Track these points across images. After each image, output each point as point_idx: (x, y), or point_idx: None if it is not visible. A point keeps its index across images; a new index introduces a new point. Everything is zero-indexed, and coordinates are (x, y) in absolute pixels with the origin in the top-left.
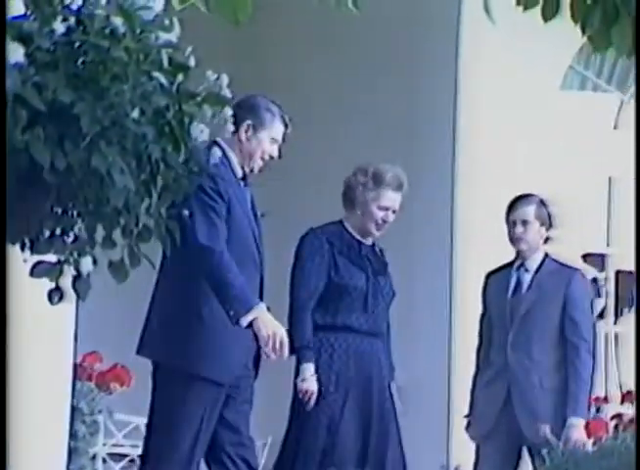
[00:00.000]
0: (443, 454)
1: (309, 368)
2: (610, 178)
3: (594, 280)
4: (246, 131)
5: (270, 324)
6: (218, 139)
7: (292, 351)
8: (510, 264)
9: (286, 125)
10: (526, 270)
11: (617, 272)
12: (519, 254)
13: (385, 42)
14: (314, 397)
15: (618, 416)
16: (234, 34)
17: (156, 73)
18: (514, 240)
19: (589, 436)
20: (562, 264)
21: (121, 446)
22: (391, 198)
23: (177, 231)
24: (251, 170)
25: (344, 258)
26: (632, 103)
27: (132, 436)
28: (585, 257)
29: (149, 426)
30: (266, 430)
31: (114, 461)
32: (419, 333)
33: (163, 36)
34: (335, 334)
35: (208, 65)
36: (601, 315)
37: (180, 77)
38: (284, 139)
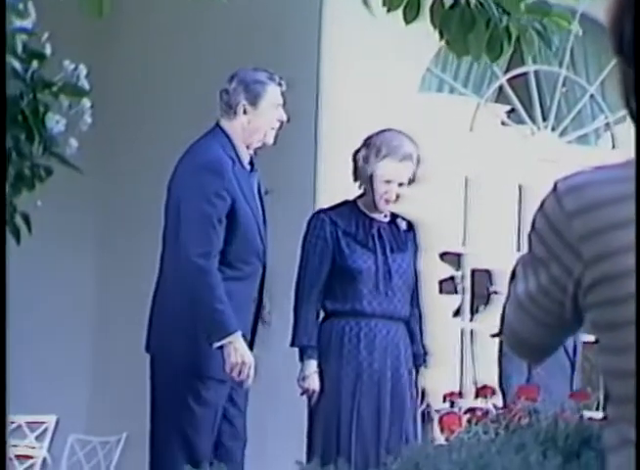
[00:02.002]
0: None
1: (310, 365)
2: (466, 179)
3: (451, 278)
4: (244, 112)
5: (240, 353)
6: (222, 124)
7: (293, 344)
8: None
9: (280, 84)
10: None
11: (473, 271)
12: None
13: (247, 37)
14: (316, 394)
15: (472, 410)
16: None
17: (9, 59)
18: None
19: (442, 430)
20: None
21: None
22: (395, 169)
23: (28, 223)
24: (266, 144)
25: (350, 238)
26: (488, 106)
27: None
28: (442, 255)
29: (155, 426)
30: (121, 426)
31: None
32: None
33: (18, 22)
34: (345, 318)
35: (66, 54)
36: (457, 313)
37: (35, 65)
38: (284, 98)
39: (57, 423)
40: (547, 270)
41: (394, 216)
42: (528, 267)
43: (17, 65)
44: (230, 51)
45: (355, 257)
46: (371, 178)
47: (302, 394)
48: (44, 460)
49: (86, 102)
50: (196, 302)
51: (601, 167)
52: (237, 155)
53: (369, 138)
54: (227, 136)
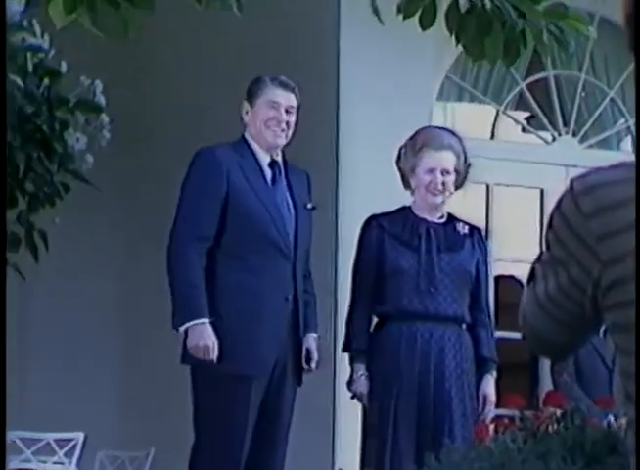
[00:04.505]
0: (328, 460)
1: (357, 369)
2: (487, 186)
3: None
4: (246, 113)
5: (196, 337)
6: (245, 134)
7: (344, 349)
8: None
9: (284, 86)
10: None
11: (497, 277)
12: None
13: (266, 45)
14: (364, 398)
15: (498, 418)
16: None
17: (12, 77)
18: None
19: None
20: None
21: None
22: (435, 157)
23: (46, 240)
24: (271, 146)
25: (395, 239)
26: (508, 113)
27: None
28: None
29: (196, 429)
30: (149, 441)
31: None
32: None
33: (31, 40)
34: (390, 322)
35: (82, 70)
36: None
37: (46, 82)
38: (298, 101)
39: (85, 439)
40: (566, 271)
41: (454, 220)
42: (548, 267)
43: (18, 82)
44: (247, 60)
45: (398, 256)
46: (413, 172)
47: (352, 398)
48: None
49: (104, 117)
50: (170, 284)
51: (617, 166)
52: (254, 156)
53: (409, 139)
54: (246, 143)
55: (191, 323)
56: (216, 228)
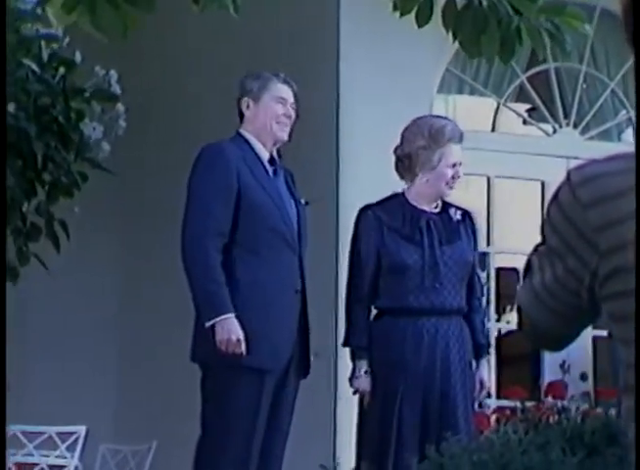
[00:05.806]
0: (329, 454)
1: (360, 366)
2: (488, 178)
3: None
4: (247, 107)
5: (226, 331)
6: (241, 130)
7: (344, 344)
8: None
9: (287, 83)
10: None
11: (499, 270)
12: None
13: (267, 42)
14: (367, 395)
15: (499, 410)
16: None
17: (27, 61)
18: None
19: None
20: None
21: None
22: (457, 151)
23: (67, 230)
24: (278, 141)
25: (396, 233)
26: (509, 105)
27: None
28: None
29: (204, 424)
30: (150, 435)
31: None
32: None
33: (45, 29)
34: (394, 317)
35: (96, 60)
36: None
37: (61, 71)
38: (296, 99)
39: (87, 433)
40: (563, 262)
41: (447, 207)
42: (544, 258)
43: (34, 67)
44: (247, 57)
45: (401, 251)
46: (436, 166)
47: (354, 393)
48: (76, 469)
49: (120, 107)
50: (191, 280)
51: (614, 157)
52: (253, 151)
53: (414, 128)
54: (243, 138)
55: (218, 319)
56: (231, 223)
